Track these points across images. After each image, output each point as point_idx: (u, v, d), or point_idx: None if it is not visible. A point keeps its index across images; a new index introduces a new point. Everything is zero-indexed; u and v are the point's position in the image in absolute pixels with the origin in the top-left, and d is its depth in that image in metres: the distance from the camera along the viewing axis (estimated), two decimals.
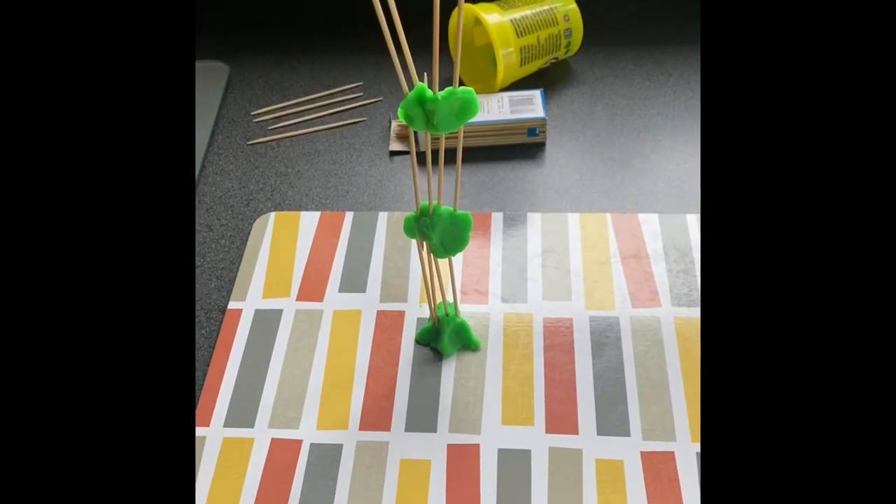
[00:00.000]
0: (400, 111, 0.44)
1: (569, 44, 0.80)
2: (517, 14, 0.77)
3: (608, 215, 0.68)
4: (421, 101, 0.43)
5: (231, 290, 0.64)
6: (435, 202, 0.51)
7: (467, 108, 0.44)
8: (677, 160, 0.73)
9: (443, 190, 0.51)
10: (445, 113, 0.44)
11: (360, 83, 0.83)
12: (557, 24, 0.78)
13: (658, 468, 0.52)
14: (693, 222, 0.67)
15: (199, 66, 0.84)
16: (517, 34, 0.76)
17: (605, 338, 0.59)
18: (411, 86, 0.45)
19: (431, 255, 0.54)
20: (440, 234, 0.51)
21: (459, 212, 0.51)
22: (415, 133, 0.75)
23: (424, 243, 0.54)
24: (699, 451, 0.53)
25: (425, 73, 0.45)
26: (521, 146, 0.75)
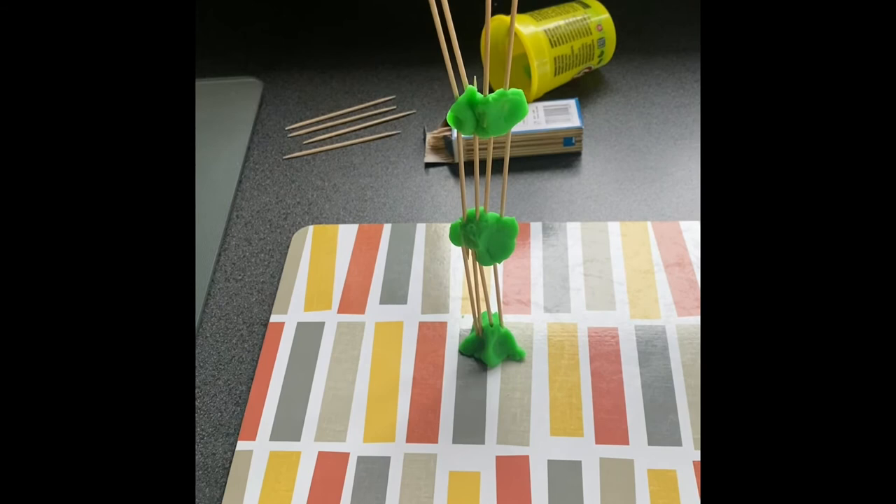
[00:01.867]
0: (449, 115, 0.44)
1: (602, 53, 0.80)
2: (551, 24, 0.76)
3: (649, 223, 0.67)
4: (472, 103, 0.43)
5: (272, 304, 0.64)
6: (481, 209, 0.50)
7: (517, 110, 0.44)
8: None
9: (488, 197, 0.51)
10: (495, 115, 0.43)
11: (393, 97, 0.83)
12: (591, 33, 0.78)
13: None
14: None
15: (233, 82, 0.85)
16: (551, 44, 0.76)
17: (652, 347, 0.58)
18: (460, 92, 0.44)
19: (476, 264, 0.54)
20: (486, 240, 0.51)
21: (505, 218, 0.51)
22: (449, 146, 0.74)
23: (470, 251, 0.53)
24: None
25: (475, 77, 0.44)
26: (557, 156, 0.75)
